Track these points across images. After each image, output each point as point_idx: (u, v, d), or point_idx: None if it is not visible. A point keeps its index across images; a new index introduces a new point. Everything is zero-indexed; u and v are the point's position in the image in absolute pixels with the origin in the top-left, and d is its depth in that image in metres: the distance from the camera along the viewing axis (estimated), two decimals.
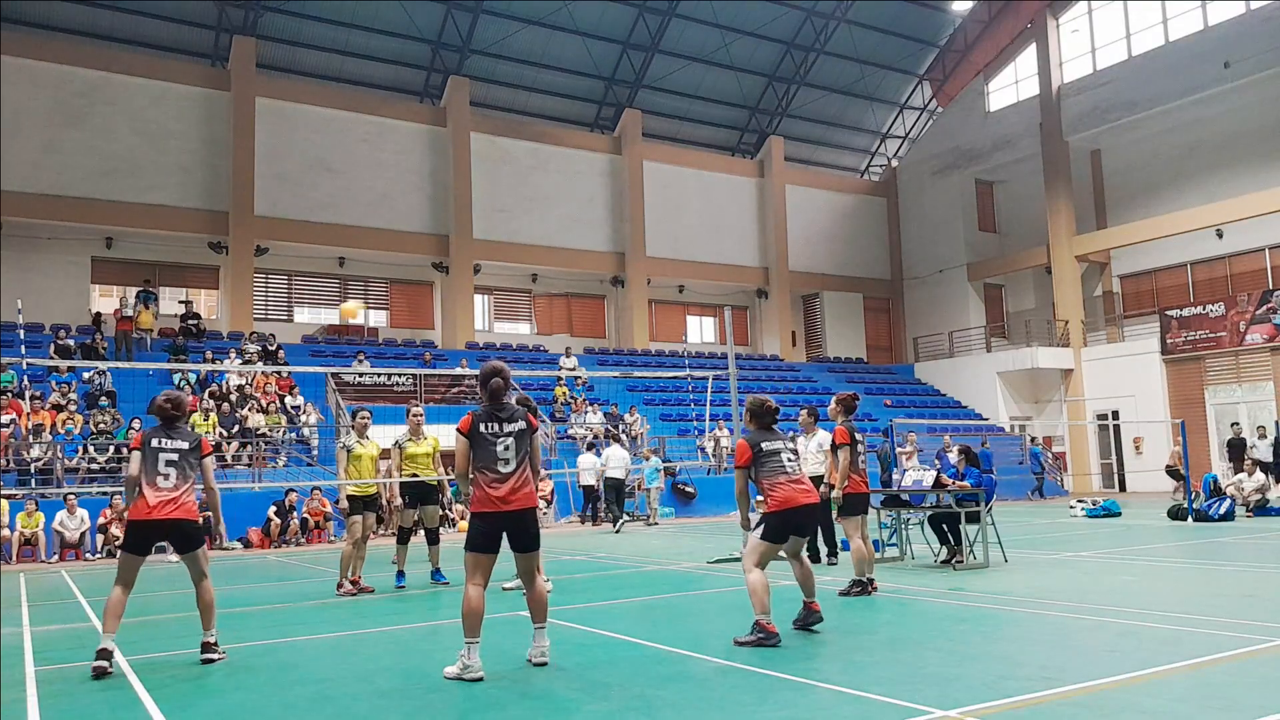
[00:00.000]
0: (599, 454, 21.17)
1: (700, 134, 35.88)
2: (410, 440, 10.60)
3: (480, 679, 5.46)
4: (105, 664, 5.94)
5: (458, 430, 5.82)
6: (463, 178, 29.16)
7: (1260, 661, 5.37)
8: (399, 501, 10.76)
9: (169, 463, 6.39)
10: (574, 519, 22.13)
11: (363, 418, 10.26)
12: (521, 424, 5.81)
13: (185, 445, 6.52)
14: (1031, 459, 28.52)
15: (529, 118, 32.15)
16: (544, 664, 5.77)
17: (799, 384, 32.30)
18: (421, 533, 11.19)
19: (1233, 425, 23.93)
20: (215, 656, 6.33)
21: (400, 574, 10.49)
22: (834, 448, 8.93)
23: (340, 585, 9.82)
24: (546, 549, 9.20)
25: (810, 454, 11.13)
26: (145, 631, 7.88)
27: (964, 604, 7.77)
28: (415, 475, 10.56)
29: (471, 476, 5.76)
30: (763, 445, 6.70)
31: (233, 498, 17.96)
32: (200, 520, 6.60)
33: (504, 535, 5.75)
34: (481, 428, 5.77)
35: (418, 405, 10.94)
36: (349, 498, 10.10)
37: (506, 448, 5.72)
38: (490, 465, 5.71)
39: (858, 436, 9.01)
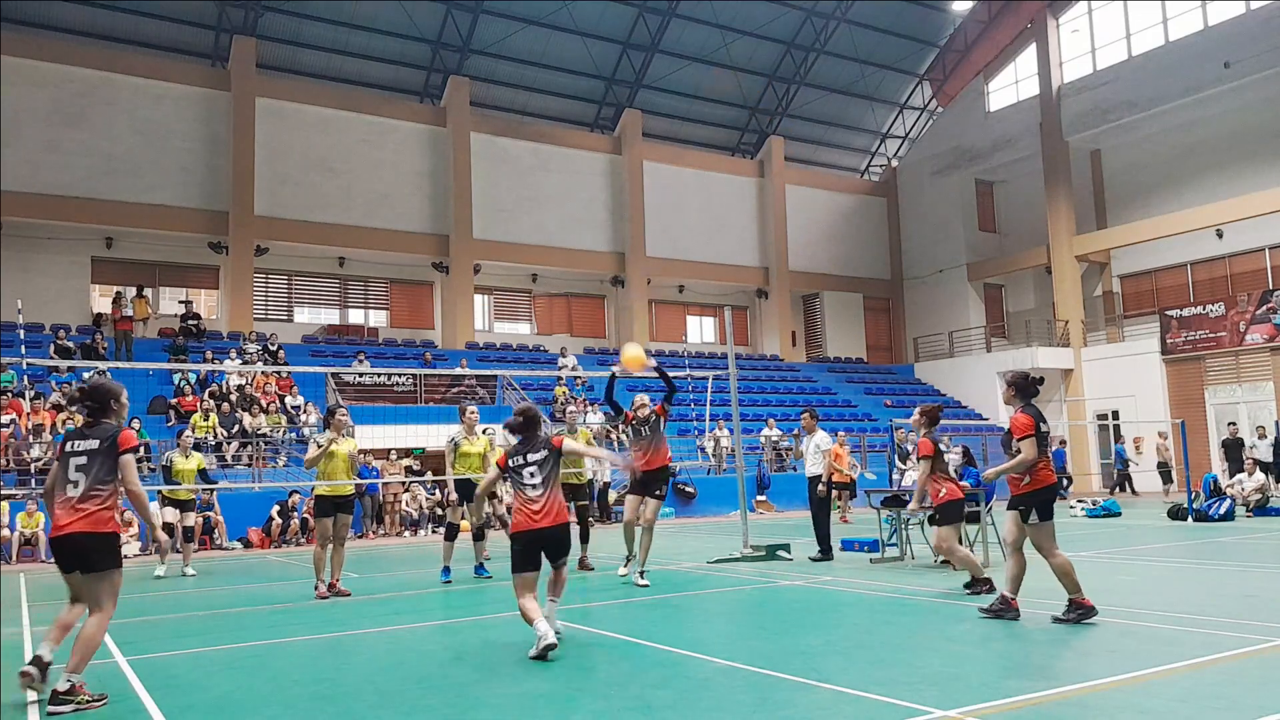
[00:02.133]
0: None
1: (700, 134, 35.88)
2: (465, 439, 10.76)
3: (552, 645, 5.99)
4: (32, 670, 5.19)
5: (495, 463, 6.95)
6: (463, 178, 29.16)
7: (1260, 661, 5.38)
8: (454, 497, 10.95)
9: (78, 467, 5.37)
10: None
11: (342, 414, 9.98)
12: (544, 452, 6.62)
13: (95, 444, 5.42)
14: (1116, 456, 28.14)
15: (529, 118, 32.15)
16: (556, 636, 6.20)
17: (799, 384, 32.29)
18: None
19: (1229, 425, 23.91)
20: (65, 709, 5.02)
21: (480, 566, 10.81)
22: (919, 459, 8.71)
23: (317, 588, 9.56)
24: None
25: (809, 454, 11.46)
26: (145, 631, 7.88)
27: (964, 604, 7.76)
28: (466, 474, 10.75)
29: (515, 505, 6.62)
30: (1040, 426, 6.94)
31: (233, 498, 17.99)
32: (113, 533, 5.44)
33: (542, 551, 6.49)
34: (510, 461, 6.68)
35: (472, 404, 11.12)
36: (316, 498, 9.82)
37: (532, 474, 6.55)
38: (521, 489, 6.56)
39: (941, 448, 8.87)
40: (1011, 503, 6.97)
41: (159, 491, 13.27)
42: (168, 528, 12.88)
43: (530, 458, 6.59)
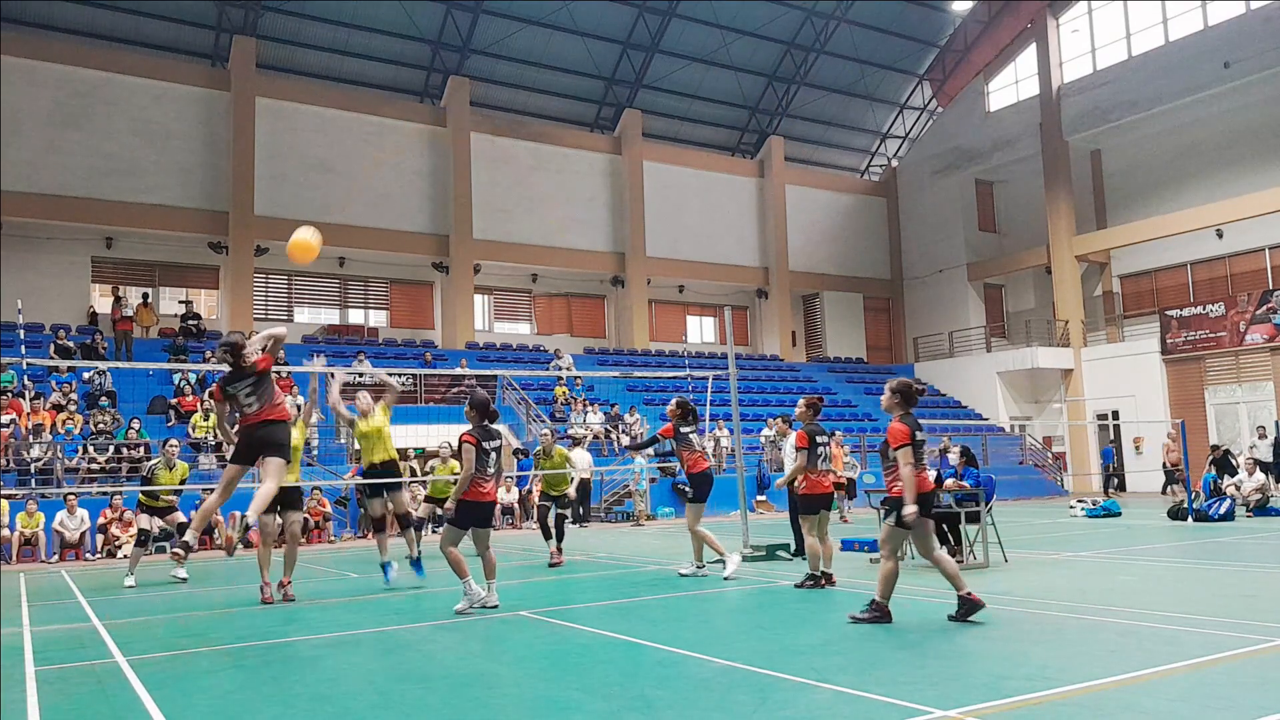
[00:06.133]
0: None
1: (700, 134, 35.88)
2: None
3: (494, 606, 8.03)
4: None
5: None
6: (463, 178, 29.15)
7: (1260, 661, 5.38)
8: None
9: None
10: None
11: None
12: (499, 441, 8.29)
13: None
14: (1103, 456, 28.17)
15: (529, 118, 32.15)
16: (495, 606, 8.18)
17: (799, 384, 32.28)
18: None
19: (1213, 448, 22.28)
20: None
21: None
22: (796, 449, 9.42)
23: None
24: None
25: (787, 456, 11.74)
26: (145, 631, 7.89)
27: None
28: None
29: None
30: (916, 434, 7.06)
31: (233, 497, 17.91)
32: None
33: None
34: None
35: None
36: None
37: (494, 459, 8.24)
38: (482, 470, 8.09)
39: (818, 440, 9.37)
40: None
41: (139, 497, 12.43)
42: (143, 534, 12.12)
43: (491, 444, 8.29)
